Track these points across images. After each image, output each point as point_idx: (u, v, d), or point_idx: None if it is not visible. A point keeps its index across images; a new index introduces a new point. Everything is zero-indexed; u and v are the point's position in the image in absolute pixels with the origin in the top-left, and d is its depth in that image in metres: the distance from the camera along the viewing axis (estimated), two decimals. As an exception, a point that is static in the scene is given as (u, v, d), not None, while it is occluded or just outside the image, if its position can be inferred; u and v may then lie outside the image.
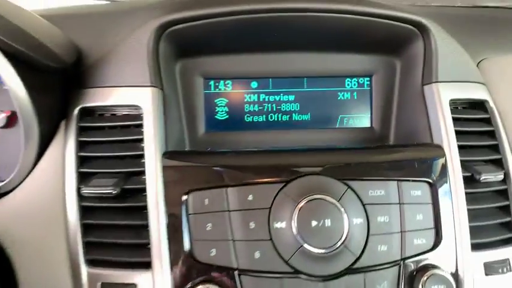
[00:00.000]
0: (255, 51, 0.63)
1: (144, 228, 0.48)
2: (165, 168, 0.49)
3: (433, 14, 0.61)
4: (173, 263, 0.46)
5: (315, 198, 0.46)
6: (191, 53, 0.61)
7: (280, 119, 0.66)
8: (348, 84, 0.66)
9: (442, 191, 0.51)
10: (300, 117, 0.66)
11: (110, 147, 0.53)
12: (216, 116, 0.64)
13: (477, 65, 0.64)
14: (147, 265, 0.47)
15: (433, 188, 0.50)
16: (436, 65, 0.58)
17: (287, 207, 0.46)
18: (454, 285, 0.46)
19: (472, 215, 0.52)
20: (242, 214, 0.47)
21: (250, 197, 0.47)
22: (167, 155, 0.51)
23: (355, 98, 0.66)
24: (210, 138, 0.63)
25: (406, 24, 0.58)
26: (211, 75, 0.64)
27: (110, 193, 0.49)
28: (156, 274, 0.46)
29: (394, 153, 0.53)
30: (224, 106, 0.65)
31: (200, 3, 0.55)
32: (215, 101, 0.64)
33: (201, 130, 0.64)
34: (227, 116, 0.65)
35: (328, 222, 0.45)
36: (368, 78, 0.66)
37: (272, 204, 0.47)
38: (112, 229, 0.49)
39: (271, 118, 0.65)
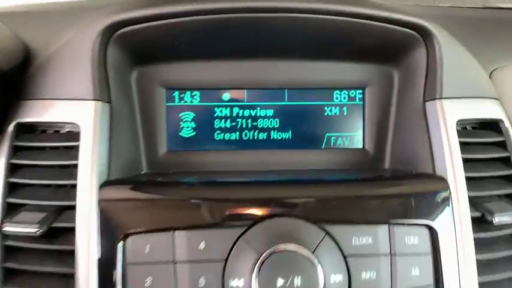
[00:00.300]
0: (227, 57, 0.54)
1: (72, 276, 0.39)
2: (100, 202, 0.40)
3: (438, 16, 0.51)
4: (103, 325, 0.37)
5: (283, 250, 0.37)
6: (149, 60, 0.52)
7: (256, 138, 0.56)
8: (337, 98, 0.56)
9: (444, 237, 0.41)
10: (279, 136, 0.56)
11: (44, 173, 0.44)
12: (180, 133, 0.55)
13: (489, 76, 0.54)
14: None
15: (434, 234, 0.41)
16: (441, 77, 0.48)
17: (247, 260, 0.37)
18: None
19: (483, 267, 0.43)
20: (191, 267, 0.37)
21: (201, 245, 0.38)
22: (106, 185, 0.41)
23: (345, 113, 0.57)
24: (173, 159, 0.54)
25: (405, 28, 0.48)
26: (175, 85, 0.54)
27: (34, 233, 0.40)
28: None
29: (385, 187, 0.43)
30: (190, 121, 0.55)
31: (156, 1, 0.46)
32: (180, 115, 0.55)
33: (163, 149, 0.54)
34: (194, 133, 0.55)
35: (298, 281, 0.36)
36: (360, 91, 0.56)
37: (228, 255, 0.37)
38: (36, 277, 0.40)
39: (246, 136, 0.56)
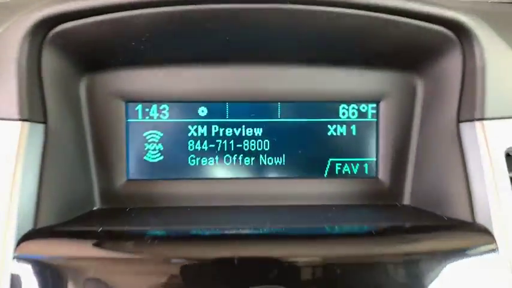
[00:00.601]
0: (204, 62, 0.42)
1: None
2: (17, 259, 0.29)
3: (480, 12, 0.39)
4: None
5: None
6: (102, 65, 0.41)
7: (240, 163, 0.45)
8: (344, 114, 0.45)
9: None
10: (270, 161, 0.45)
11: None
12: (145, 157, 0.44)
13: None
14: None
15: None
16: (483, 90, 0.36)
17: None
18: None
19: None
20: None
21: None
22: (27, 239, 0.30)
23: (354, 133, 0.45)
24: (134, 190, 0.43)
25: (437, 25, 0.36)
26: (138, 97, 0.43)
27: None
28: None
29: (408, 242, 0.31)
30: (157, 142, 0.44)
31: None
32: (144, 134, 0.44)
33: (122, 179, 0.43)
34: (161, 157, 0.44)
35: None
36: (374, 105, 0.45)
37: None
38: None
39: (228, 162, 0.45)
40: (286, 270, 0.28)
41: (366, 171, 0.45)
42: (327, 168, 0.45)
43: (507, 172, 0.35)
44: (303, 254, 0.30)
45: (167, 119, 0.44)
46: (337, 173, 0.45)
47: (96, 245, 0.30)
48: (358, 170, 0.45)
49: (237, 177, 0.44)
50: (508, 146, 0.36)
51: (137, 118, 0.44)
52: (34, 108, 0.35)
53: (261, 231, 0.33)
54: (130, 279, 0.29)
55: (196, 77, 0.43)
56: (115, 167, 0.43)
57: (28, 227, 0.32)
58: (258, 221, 0.36)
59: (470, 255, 0.31)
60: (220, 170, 0.44)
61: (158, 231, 0.33)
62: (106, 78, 0.42)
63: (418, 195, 0.43)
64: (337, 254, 0.30)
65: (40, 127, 0.35)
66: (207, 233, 0.31)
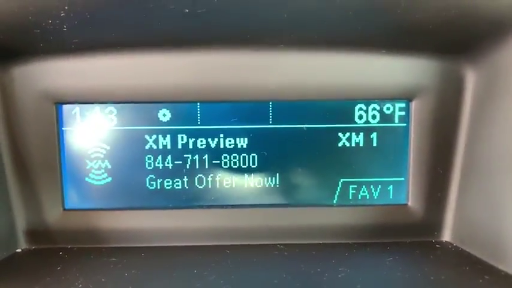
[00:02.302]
0: (164, 46, 0.30)
1: None
2: None
3: None
4: None
5: None
6: (20, 55, 0.29)
7: (217, 186, 0.33)
8: (361, 116, 0.32)
9: None
10: (259, 183, 0.33)
11: None
12: (87, 179, 0.32)
13: None
14: None
15: None
16: None
17: None
18: None
19: None
20: None
21: None
22: None
23: (375, 144, 0.33)
24: (73, 223, 0.32)
25: None
26: (73, 97, 0.31)
27: None
28: None
29: None
30: (103, 158, 0.32)
31: None
32: (85, 147, 0.32)
33: (56, 208, 0.32)
34: (109, 179, 0.32)
35: None
36: (403, 105, 0.32)
37: None
38: None
39: (201, 184, 0.33)
40: None
41: (391, 196, 0.33)
42: (337, 193, 0.33)
43: None
44: None
45: (115, 126, 0.32)
46: (351, 198, 0.33)
47: None
48: (379, 194, 0.33)
49: (212, 206, 0.33)
50: None
51: (74, 126, 0.32)
52: None
53: None
54: None
55: (154, 68, 0.31)
56: (46, 194, 0.32)
57: None
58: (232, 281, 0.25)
59: None
60: (189, 195, 0.33)
61: None
62: (27, 72, 0.30)
63: (462, 232, 0.31)
64: None
65: None
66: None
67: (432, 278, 0.26)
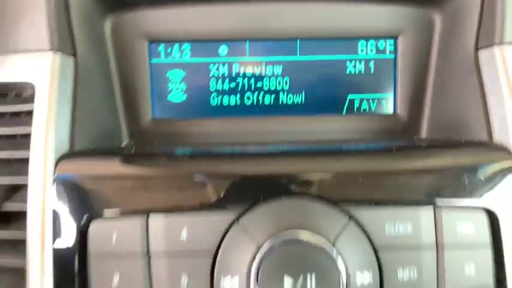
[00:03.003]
0: (225, 0, 0.43)
1: (24, 276, 0.31)
2: (56, 179, 0.31)
3: None
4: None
5: (292, 240, 0.27)
6: (126, 5, 0.42)
7: (261, 102, 0.46)
8: (362, 50, 0.46)
9: (509, 225, 0.31)
10: (290, 99, 0.46)
11: None
12: (169, 97, 0.46)
13: None
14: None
15: (495, 221, 0.30)
16: (503, 14, 0.36)
17: (243, 253, 0.27)
18: None
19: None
20: (169, 261, 0.28)
21: (183, 234, 0.29)
22: (65, 158, 0.33)
23: (372, 71, 0.46)
24: (159, 128, 0.45)
25: None
26: (161, 37, 0.44)
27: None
28: None
29: (427, 157, 0.33)
30: (180, 82, 0.46)
31: None
32: (167, 74, 0.45)
33: (147, 117, 0.45)
34: (185, 97, 0.46)
35: (311, 281, 0.26)
36: (392, 41, 0.45)
37: (219, 246, 0.28)
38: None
39: (249, 100, 0.46)
40: (307, 181, 0.30)
41: (384, 108, 0.46)
42: (345, 106, 0.46)
43: None
44: (325, 166, 0.31)
45: (189, 58, 0.45)
46: (355, 110, 0.46)
47: (128, 159, 0.32)
48: (376, 106, 0.46)
49: (258, 115, 0.46)
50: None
51: (160, 58, 0.45)
52: (64, 40, 0.36)
53: (280, 149, 0.34)
54: (164, 191, 0.30)
55: (217, 16, 0.44)
56: (140, 106, 0.45)
57: (64, 150, 0.34)
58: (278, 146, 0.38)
59: (489, 169, 0.32)
60: (241, 108, 0.46)
61: (183, 150, 0.34)
62: (130, 18, 0.43)
63: (435, 128, 0.44)
64: (360, 166, 0.31)
65: (70, 59, 0.37)
66: (238, 150, 0.33)
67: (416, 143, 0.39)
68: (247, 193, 0.29)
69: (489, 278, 0.29)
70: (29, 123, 0.34)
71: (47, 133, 0.33)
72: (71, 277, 0.29)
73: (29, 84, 0.35)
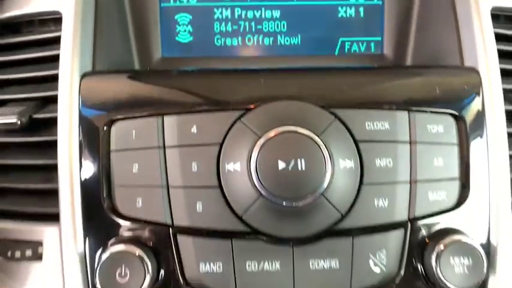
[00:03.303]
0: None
1: (56, 170, 0.35)
2: (82, 90, 0.36)
3: None
4: (86, 216, 0.33)
5: (286, 131, 0.32)
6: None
7: (261, 43, 0.51)
8: (353, -3, 0.50)
9: (473, 128, 0.35)
10: (287, 41, 0.51)
11: (27, 69, 0.41)
12: (177, 38, 0.50)
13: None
14: (55, 217, 0.35)
15: (461, 124, 0.35)
16: None
17: (245, 143, 0.32)
18: (485, 260, 0.32)
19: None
20: (181, 151, 0.33)
21: (193, 129, 0.33)
22: (89, 74, 0.37)
23: (362, 15, 0.50)
24: (168, 66, 0.50)
25: None
26: (170, -16, 0.49)
27: (15, 124, 0.37)
28: (65, 229, 0.34)
29: (406, 73, 0.38)
30: (187, 24, 0.50)
31: None
32: (175, 17, 0.50)
33: (157, 54, 0.50)
34: (191, 38, 0.50)
35: (302, 164, 0.31)
36: (379, -12, 0.50)
37: (225, 138, 0.33)
38: (15, 171, 0.38)
39: (250, 41, 0.50)
40: (300, 87, 0.35)
41: (373, 49, 0.51)
42: (337, 47, 0.51)
43: (491, 25, 0.40)
44: (316, 76, 0.37)
45: (195, 3, 0.50)
46: (346, 50, 0.51)
47: (145, 72, 0.36)
48: (365, 47, 0.51)
49: (258, 56, 0.51)
50: (493, 5, 0.41)
51: (169, 2, 0.50)
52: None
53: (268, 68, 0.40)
54: (177, 96, 0.35)
55: (221, -38, 0.48)
56: (151, 45, 0.49)
57: (88, 69, 0.39)
58: None
59: (458, 82, 0.37)
60: (242, 48, 0.51)
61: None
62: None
63: (418, 62, 0.49)
64: (346, 76, 0.36)
65: (90, -7, 0.41)
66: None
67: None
68: (248, 96, 0.34)
69: (455, 171, 0.34)
70: (56, 47, 0.39)
71: (73, 54, 0.38)
72: (96, 170, 0.34)
73: (56, 11, 0.40)
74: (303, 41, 0.51)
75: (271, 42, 0.51)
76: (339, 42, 0.51)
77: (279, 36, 0.51)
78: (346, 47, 0.51)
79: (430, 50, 0.46)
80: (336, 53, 0.51)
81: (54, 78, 0.38)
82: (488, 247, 0.35)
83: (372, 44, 0.51)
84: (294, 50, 0.51)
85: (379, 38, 0.51)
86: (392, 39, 0.50)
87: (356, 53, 0.51)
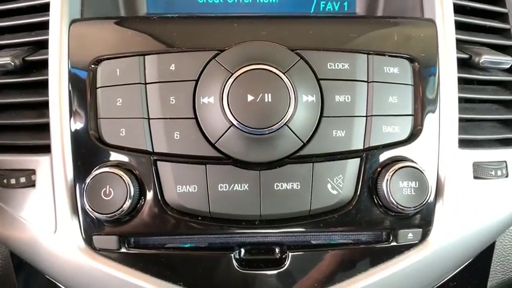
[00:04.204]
0: None
1: (46, 107, 0.39)
2: (71, 34, 0.39)
3: None
4: (75, 145, 0.37)
5: (255, 69, 0.36)
6: None
7: (241, 1, 0.54)
8: (326, -37, 0.53)
9: (427, 70, 0.39)
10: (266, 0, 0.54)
11: (20, 18, 0.44)
12: (161, -3, 0.53)
13: None
14: (46, 148, 0.38)
15: (416, 66, 0.39)
16: None
17: (218, 79, 0.36)
18: (429, 184, 0.36)
19: (465, 106, 0.41)
20: (161, 87, 0.37)
21: (172, 67, 0.37)
22: (77, 21, 0.40)
23: (336, -23, 0.53)
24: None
25: None
26: None
27: (9, 65, 0.40)
28: (56, 158, 0.37)
29: (368, 24, 0.41)
30: (171, -17, 0.53)
31: None
32: (160, -25, 0.53)
33: (143, 10, 0.52)
34: (174, -3, 0.53)
35: (268, 97, 0.35)
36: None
37: (200, 75, 0.37)
38: (9, 109, 0.41)
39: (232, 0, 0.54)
40: (269, 30, 0.38)
41: (346, 8, 0.54)
42: (313, 6, 0.54)
43: None
44: (283, 21, 0.40)
45: (180, -40, 0.53)
46: (321, 9, 0.54)
47: (128, 18, 0.39)
48: (339, 7, 0.54)
49: (238, 13, 0.53)
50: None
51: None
52: None
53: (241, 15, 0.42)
54: (156, 37, 0.38)
55: None
56: (137, 1, 0.52)
57: (76, 16, 0.42)
58: None
59: (415, 30, 0.40)
60: (223, 6, 0.53)
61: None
62: None
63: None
64: (312, 22, 0.40)
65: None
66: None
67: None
68: (222, 37, 0.37)
69: (409, 108, 0.38)
70: None
71: (62, 2, 0.40)
72: (83, 106, 0.38)
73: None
74: (280, 0, 0.54)
75: (250, 1, 0.54)
76: (315, 1, 0.54)
77: (258, -6, 0.54)
78: (321, 6, 0.54)
79: (397, 7, 0.49)
80: (311, 11, 0.54)
81: (46, 26, 0.41)
82: (437, 177, 0.39)
83: (345, 3, 0.54)
84: (272, 7, 0.54)
85: (353, -2, 0.54)
86: (364, -1, 0.53)
87: (330, 12, 0.54)
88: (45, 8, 0.42)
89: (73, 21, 0.40)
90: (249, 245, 0.38)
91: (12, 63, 0.40)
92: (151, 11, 0.53)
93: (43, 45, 0.42)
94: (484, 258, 0.49)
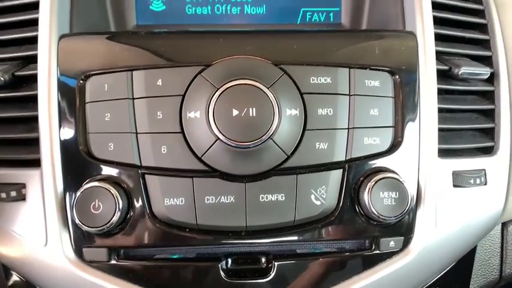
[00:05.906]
0: None
1: (36, 121, 0.40)
2: (60, 49, 0.40)
3: None
4: (64, 159, 0.38)
5: (240, 84, 0.37)
6: None
7: (229, 12, 0.55)
8: (310, -28, 0.54)
9: (407, 82, 0.40)
10: (253, 10, 0.55)
11: (9, 33, 0.44)
12: (150, 7, 0.54)
13: None
14: (36, 162, 0.39)
15: (397, 79, 0.40)
16: None
17: (204, 94, 0.37)
18: (409, 194, 0.37)
19: (445, 117, 0.43)
20: (148, 102, 0.38)
21: (159, 82, 0.38)
22: (66, 36, 0.41)
23: (321, -13, 0.55)
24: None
25: None
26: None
27: (-1, 81, 0.40)
28: (46, 172, 0.38)
29: (350, 37, 0.42)
30: (161, -5, 0.54)
31: None
32: (149, -13, 0.53)
33: (132, 22, 0.53)
34: (164, 7, 0.54)
35: (252, 112, 0.36)
36: (337, -39, 0.54)
37: (186, 90, 0.38)
38: (0, 124, 0.42)
39: (218, 10, 0.54)
40: (254, 46, 0.39)
41: (332, 19, 0.55)
42: (299, 17, 0.55)
43: None
44: (267, 37, 0.42)
45: (168, -30, 0.53)
46: (307, 20, 0.55)
47: (116, 34, 0.40)
48: (325, 18, 0.55)
49: (226, 24, 0.55)
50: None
51: (143, -30, 0.53)
52: None
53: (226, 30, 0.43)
54: (144, 53, 0.39)
55: None
56: (126, 13, 0.53)
57: (65, 31, 0.42)
58: None
59: (396, 43, 0.41)
60: (212, 17, 0.54)
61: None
62: None
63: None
64: (295, 37, 0.41)
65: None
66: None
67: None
68: (208, 53, 0.38)
69: (389, 120, 0.40)
70: (36, 12, 0.42)
71: (51, 17, 0.41)
72: (72, 121, 0.38)
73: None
74: (267, 11, 0.55)
75: (238, 11, 0.55)
76: (301, 12, 0.55)
77: (245, 5, 0.55)
78: (308, 16, 0.55)
79: (380, 19, 0.51)
80: (298, 22, 0.55)
81: (35, 40, 0.42)
82: (417, 186, 0.40)
83: (331, 14, 0.55)
84: (259, 19, 0.55)
85: (337, 9, 0.55)
86: (349, 9, 0.54)
87: (316, 23, 0.55)
88: (34, 23, 0.43)
89: (62, 36, 0.41)
90: (235, 255, 0.39)
91: (2, 78, 0.40)
92: (140, 22, 0.54)
93: (33, 59, 0.42)
94: (465, 261, 0.51)
